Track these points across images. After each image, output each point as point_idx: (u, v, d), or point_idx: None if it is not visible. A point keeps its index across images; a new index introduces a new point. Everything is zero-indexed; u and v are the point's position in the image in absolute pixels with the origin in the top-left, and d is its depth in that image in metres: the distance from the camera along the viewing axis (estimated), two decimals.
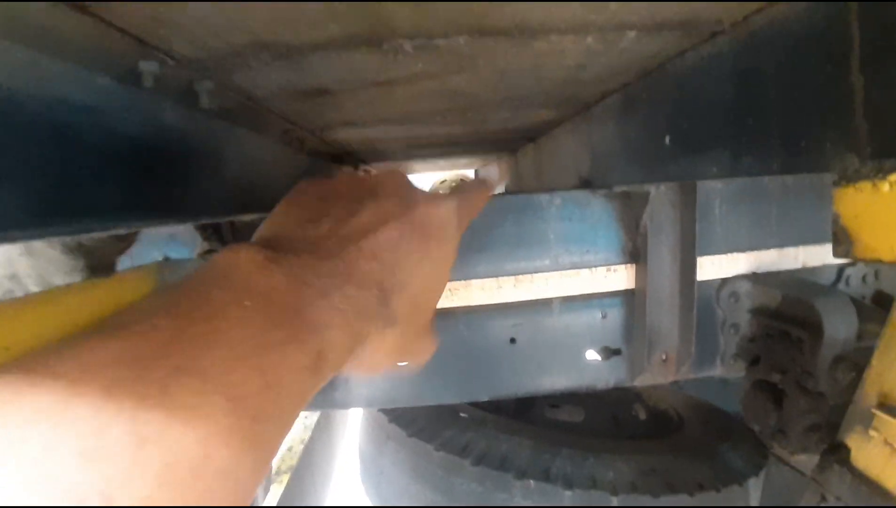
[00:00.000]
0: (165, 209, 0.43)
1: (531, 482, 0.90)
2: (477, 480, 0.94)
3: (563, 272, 0.73)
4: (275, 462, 1.42)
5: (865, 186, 0.29)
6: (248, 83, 0.47)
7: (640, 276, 0.71)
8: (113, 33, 0.34)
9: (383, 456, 1.13)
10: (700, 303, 0.68)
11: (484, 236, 0.72)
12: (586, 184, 0.79)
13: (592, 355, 0.75)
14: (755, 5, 0.37)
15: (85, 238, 0.55)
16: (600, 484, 0.87)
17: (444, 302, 0.72)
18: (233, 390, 0.22)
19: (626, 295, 0.74)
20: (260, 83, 0.47)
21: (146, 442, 0.19)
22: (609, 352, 0.75)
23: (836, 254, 0.32)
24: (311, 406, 0.96)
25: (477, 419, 1.07)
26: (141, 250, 0.61)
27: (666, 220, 0.67)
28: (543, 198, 0.72)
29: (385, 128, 0.86)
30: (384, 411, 1.14)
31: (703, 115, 0.45)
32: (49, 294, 0.38)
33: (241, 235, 0.76)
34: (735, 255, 0.73)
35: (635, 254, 0.72)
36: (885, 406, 0.51)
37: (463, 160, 1.98)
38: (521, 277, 0.73)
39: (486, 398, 0.77)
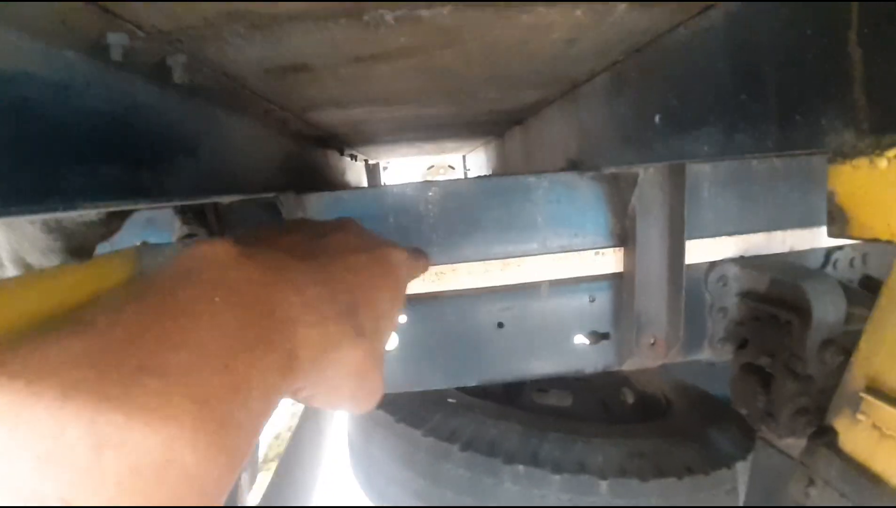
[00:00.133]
0: (137, 190, 0.41)
1: (520, 467, 0.89)
2: (465, 465, 0.94)
3: (552, 256, 0.72)
4: (262, 450, 1.41)
5: (862, 162, 0.29)
6: (223, 58, 0.45)
7: (628, 259, 0.71)
8: (76, 4, 0.32)
9: (372, 443, 1.13)
10: (688, 286, 0.68)
11: (471, 220, 0.71)
12: (574, 166, 0.79)
13: (581, 339, 0.75)
14: None
15: (66, 219, 0.53)
16: (589, 468, 0.87)
17: (431, 286, 0.72)
18: (198, 391, 0.21)
19: (615, 279, 0.73)
20: (235, 58, 0.45)
21: (106, 446, 0.18)
22: (597, 336, 0.75)
23: (830, 233, 0.31)
24: None
25: (465, 405, 1.06)
26: (119, 234, 0.59)
27: (654, 203, 0.67)
28: (531, 180, 0.71)
29: (369, 109, 0.84)
30: None
31: (695, 92, 0.44)
32: (22, 279, 0.37)
33: (225, 218, 0.75)
34: (723, 238, 0.73)
35: (624, 237, 0.71)
36: (873, 390, 0.51)
37: (450, 144, 1.96)
38: (508, 260, 0.72)
39: (473, 384, 0.76)
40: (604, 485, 0.84)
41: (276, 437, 1.49)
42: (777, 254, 0.74)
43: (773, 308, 0.65)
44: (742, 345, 0.71)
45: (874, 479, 0.48)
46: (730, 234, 0.73)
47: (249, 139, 0.68)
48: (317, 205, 0.68)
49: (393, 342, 0.73)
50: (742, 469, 0.88)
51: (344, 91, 0.66)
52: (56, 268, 0.38)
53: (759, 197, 0.73)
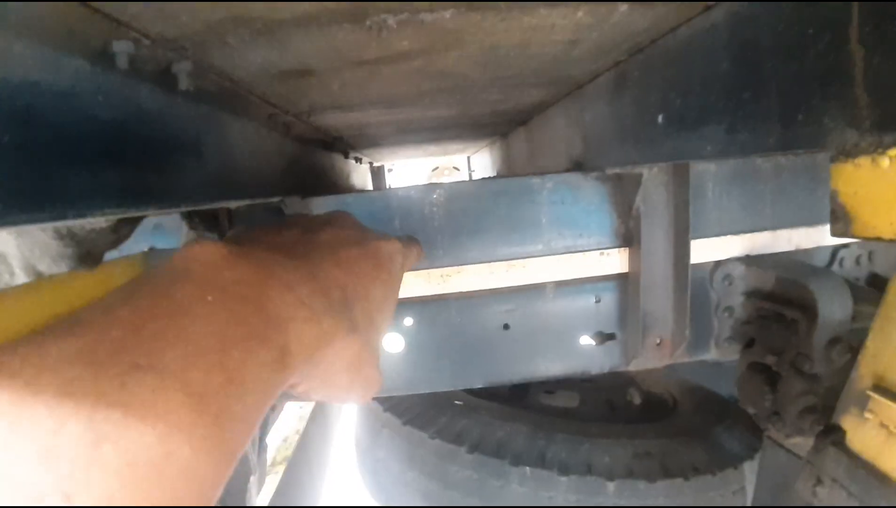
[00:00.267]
0: (145, 196, 0.41)
1: (527, 468, 0.90)
2: (472, 467, 0.94)
3: (556, 257, 0.72)
4: (270, 454, 1.42)
5: (864, 161, 0.28)
6: (227, 64, 0.45)
7: (633, 259, 0.71)
8: (82, 11, 0.32)
9: (379, 445, 1.13)
10: (694, 286, 0.68)
11: (475, 221, 0.71)
12: (578, 166, 0.79)
13: (587, 340, 0.75)
14: None
15: (76, 226, 0.53)
16: (596, 469, 0.87)
17: (437, 289, 0.72)
18: (193, 386, 0.21)
19: (620, 279, 0.73)
20: (240, 63, 0.46)
21: (104, 440, 0.18)
22: (603, 337, 0.75)
23: (834, 232, 0.31)
24: None
25: (472, 407, 1.07)
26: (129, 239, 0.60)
27: (659, 202, 0.67)
28: (535, 181, 0.71)
29: (373, 112, 0.84)
30: (379, 400, 1.14)
31: (697, 92, 0.44)
32: (31, 287, 0.37)
33: (236, 222, 0.75)
34: (729, 237, 0.72)
35: (628, 237, 0.71)
36: (880, 388, 0.50)
37: (454, 145, 1.96)
38: (513, 262, 0.72)
39: (480, 385, 0.76)
40: (611, 486, 0.84)
41: (285, 440, 1.49)
42: (783, 252, 0.74)
43: (780, 307, 0.65)
44: (748, 344, 0.71)
45: (882, 477, 0.48)
46: (735, 233, 0.72)
47: (255, 144, 0.68)
48: (322, 208, 0.69)
49: (399, 344, 0.73)
50: (749, 468, 0.88)
51: (348, 94, 0.66)
52: (65, 274, 0.39)
53: (765, 195, 0.73)
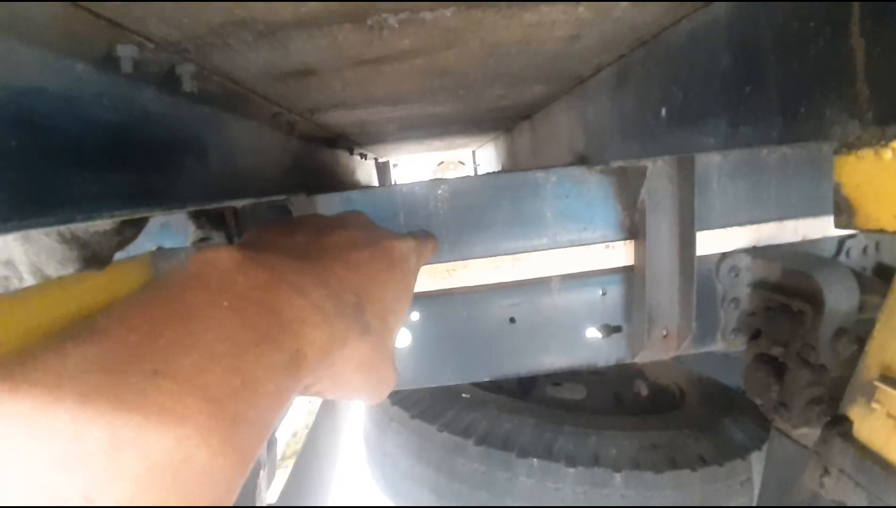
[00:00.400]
0: (149, 198, 0.42)
1: (534, 460, 0.90)
2: (480, 460, 0.95)
3: (562, 250, 0.72)
4: (279, 448, 1.43)
5: (867, 153, 0.28)
6: (230, 65, 0.46)
7: (638, 252, 0.71)
8: (85, 16, 0.32)
9: (387, 439, 1.14)
10: (700, 278, 0.68)
11: (480, 216, 0.71)
12: (583, 160, 0.78)
13: (593, 332, 0.75)
14: None
15: (80, 230, 0.54)
16: (603, 461, 0.87)
17: (443, 283, 0.72)
18: (210, 391, 0.22)
19: (626, 272, 0.73)
20: (242, 64, 0.46)
21: (124, 446, 0.19)
22: (609, 329, 0.75)
23: (837, 224, 0.31)
24: None
25: (479, 400, 1.07)
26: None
27: (664, 195, 0.67)
28: (539, 175, 0.71)
29: (376, 109, 0.84)
30: None
31: (699, 85, 0.44)
32: (40, 288, 0.38)
33: (242, 221, 0.75)
34: (734, 229, 0.72)
35: (634, 230, 0.71)
36: (887, 379, 0.50)
37: (459, 140, 1.96)
38: (519, 256, 0.72)
39: (487, 379, 0.77)
40: (618, 477, 0.84)
41: (294, 435, 1.50)
42: (789, 243, 0.73)
43: (786, 298, 0.65)
44: (755, 335, 0.71)
45: (889, 468, 0.48)
46: (741, 224, 0.72)
47: (259, 143, 0.68)
48: (327, 206, 0.69)
49: (406, 339, 0.74)
50: (756, 459, 0.88)
51: (350, 93, 0.66)
52: (73, 276, 0.39)
53: (770, 186, 0.73)
